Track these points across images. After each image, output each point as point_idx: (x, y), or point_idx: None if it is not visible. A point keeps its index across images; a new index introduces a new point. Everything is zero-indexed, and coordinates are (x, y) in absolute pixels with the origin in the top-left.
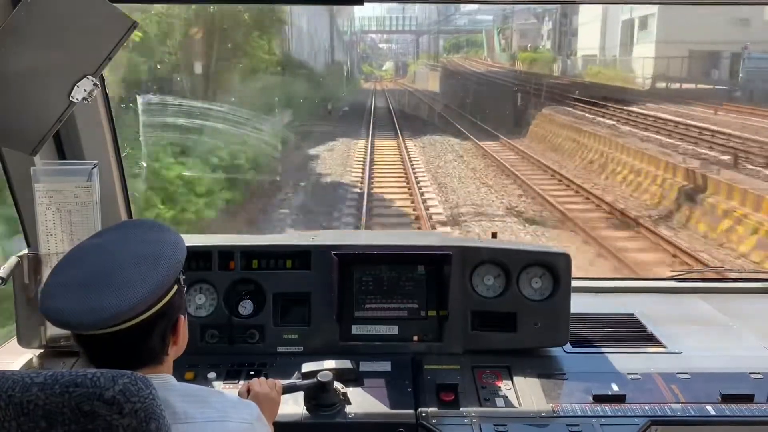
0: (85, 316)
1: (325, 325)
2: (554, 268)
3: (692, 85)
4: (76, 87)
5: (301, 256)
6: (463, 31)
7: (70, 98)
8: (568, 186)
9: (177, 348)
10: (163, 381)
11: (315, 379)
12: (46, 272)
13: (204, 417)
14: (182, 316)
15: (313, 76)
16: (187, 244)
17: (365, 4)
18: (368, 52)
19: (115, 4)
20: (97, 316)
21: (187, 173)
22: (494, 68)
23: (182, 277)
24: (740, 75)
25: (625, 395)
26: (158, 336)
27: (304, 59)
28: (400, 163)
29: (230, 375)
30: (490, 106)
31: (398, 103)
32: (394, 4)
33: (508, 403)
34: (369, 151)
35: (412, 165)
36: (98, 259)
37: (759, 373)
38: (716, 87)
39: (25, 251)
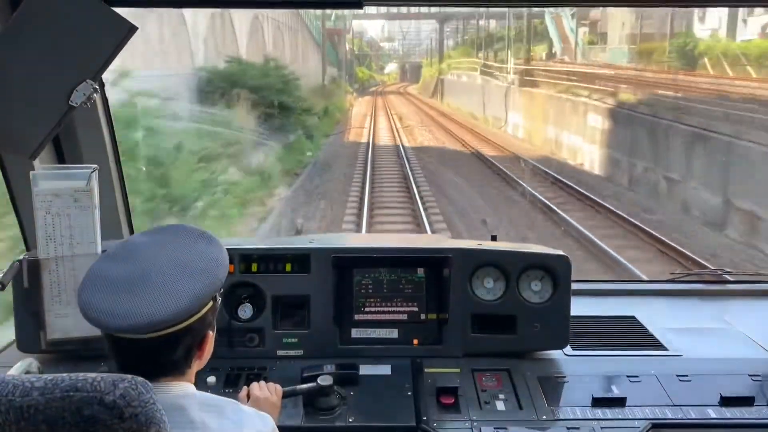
0: (119, 318)
1: (324, 328)
2: (554, 270)
3: None
4: (75, 91)
5: (300, 259)
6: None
7: (70, 102)
8: None
9: (200, 362)
10: (183, 390)
11: (315, 383)
12: (45, 276)
13: (220, 427)
14: (211, 333)
15: None
16: None
17: (364, 8)
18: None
19: (114, 8)
20: (130, 321)
21: None
22: None
23: (219, 294)
24: None
25: (625, 398)
26: (184, 349)
27: None
28: None
29: (230, 379)
30: None
31: None
32: None
33: (508, 407)
34: None
35: None
36: (144, 258)
37: (759, 376)
38: None
39: (25, 255)
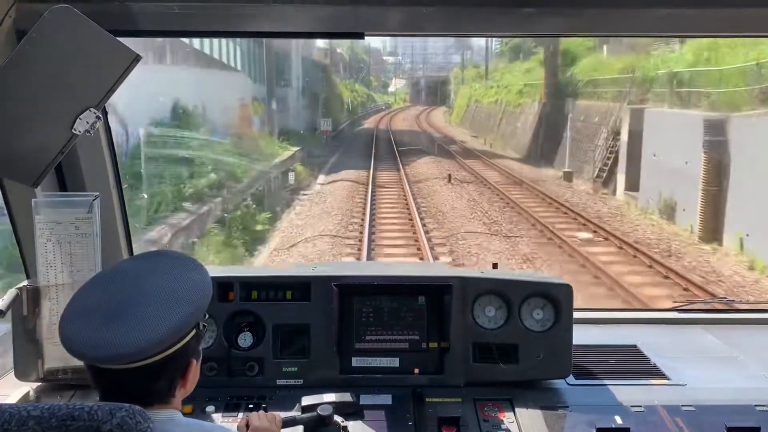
0: (99, 349)
1: (325, 357)
2: (556, 299)
3: None
4: (78, 119)
5: (300, 287)
6: None
7: (73, 130)
8: None
9: (185, 390)
10: (170, 416)
11: (315, 413)
12: (45, 304)
13: None
14: (195, 361)
15: None
16: None
17: (365, 37)
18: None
19: (118, 38)
20: (110, 351)
21: None
22: None
23: (203, 322)
24: None
25: (628, 428)
26: (167, 379)
27: None
28: None
29: (229, 408)
30: None
31: None
32: None
33: None
34: None
35: None
36: (125, 286)
37: (764, 406)
38: None
39: (25, 283)
